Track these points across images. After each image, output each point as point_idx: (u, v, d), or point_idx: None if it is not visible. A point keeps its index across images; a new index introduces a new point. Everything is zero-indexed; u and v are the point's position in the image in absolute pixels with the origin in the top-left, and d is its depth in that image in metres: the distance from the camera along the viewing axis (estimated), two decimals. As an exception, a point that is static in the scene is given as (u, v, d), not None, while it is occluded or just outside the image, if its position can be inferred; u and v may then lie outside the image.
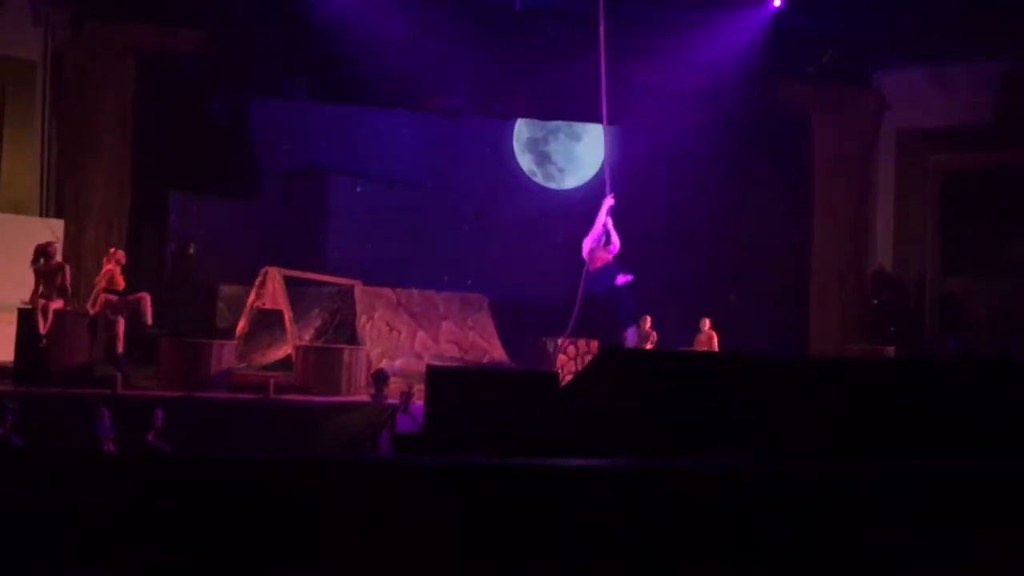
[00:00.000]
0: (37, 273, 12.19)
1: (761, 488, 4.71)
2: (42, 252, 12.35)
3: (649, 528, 4.50)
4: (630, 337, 12.51)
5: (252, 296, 14.80)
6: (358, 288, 15.80)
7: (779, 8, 16.66)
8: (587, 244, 12.65)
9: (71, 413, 9.98)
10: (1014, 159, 16.83)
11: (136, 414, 9.83)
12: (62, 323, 11.96)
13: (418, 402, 10.84)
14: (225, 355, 12.64)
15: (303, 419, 11.42)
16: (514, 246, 19.54)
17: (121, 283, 12.61)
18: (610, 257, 12.50)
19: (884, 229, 18.20)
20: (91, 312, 12.35)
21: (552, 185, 21.04)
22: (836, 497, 4.76)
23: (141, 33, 16.16)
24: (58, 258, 12.44)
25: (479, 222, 20.12)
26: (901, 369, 9.84)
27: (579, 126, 20.70)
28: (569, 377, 12.62)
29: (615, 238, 12.44)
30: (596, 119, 19.12)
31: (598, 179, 19.55)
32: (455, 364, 15.70)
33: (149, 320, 12.58)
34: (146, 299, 12.59)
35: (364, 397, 12.46)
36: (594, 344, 15.08)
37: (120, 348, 12.50)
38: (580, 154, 21.00)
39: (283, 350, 14.63)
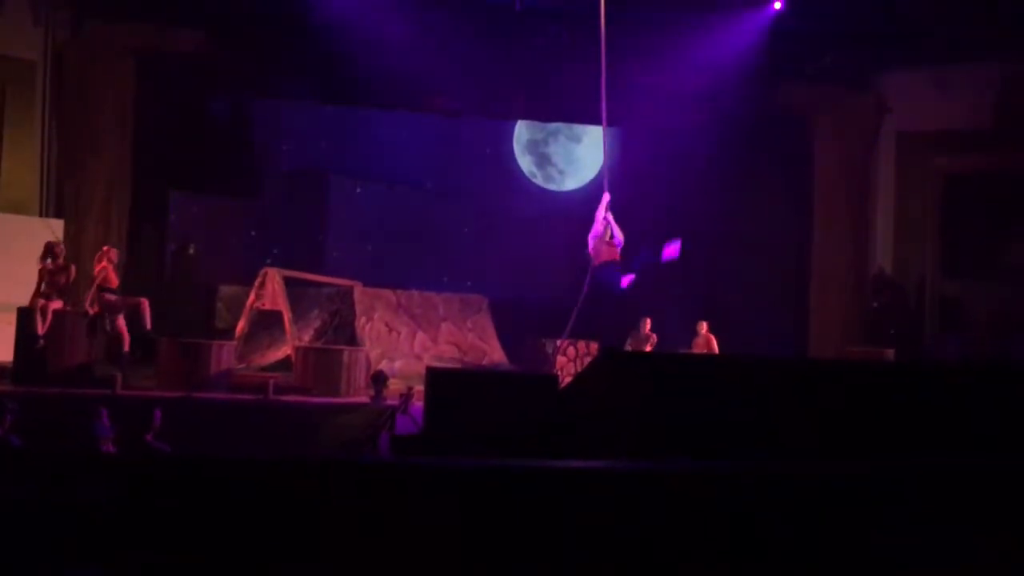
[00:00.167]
0: (42, 272, 12.17)
1: (761, 488, 4.71)
2: (50, 251, 12.34)
3: (649, 529, 4.50)
4: (625, 281, 12.44)
5: (252, 297, 14.80)
6: (358, 289, 15.80)
7: (780, 10, 16.66)
8: (590, 241, 12.63)
9: (70, 413, 9.98)
10: (1014, 162, 16.83)
11: (135, 414, 9.82)
12: (61, 323, 11.95)
13: (417, 403, 10.83)
14: (224, 356, 12.64)
15: (302, 420, 11.42)
16: (514, 247, 19.54)
17: (115, 281, 12.59)
18: (617, 253, 12.45)
19: (884, 231, 18.20)
20: (90, 312, 12.34)
21: (552, 187, 21.04)
22: (836, 497, 4.76)
23: (141, 33, 16.16)
24: (63, 259, 12.40)
25: (479, 223, 20.12)
26: (900, 371, 9.85)
27: (579, 128, 20.70)
28: (568, 379, 12.62)
29: (617, 232, 12.40)
30: (596, 120, 19.19)
31: (598, 181, 19.57)
32: (454, 365, 15.70)
33: (148, 325, 12.56)
34: (144, 304, 12.57)
35: (363, 398, 12.46)
36: (594, 346, 15.08)
37: (126, 347, 12.48)
38: (580, 156, 21.01)
39: (282, 351, 14.63)
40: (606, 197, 12.77)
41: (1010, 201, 16.66)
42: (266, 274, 14.78)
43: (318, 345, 14.40)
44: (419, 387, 11.27)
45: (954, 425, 6.84)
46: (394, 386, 12.79)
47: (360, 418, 11.43)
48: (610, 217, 12.48)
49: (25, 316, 11.94)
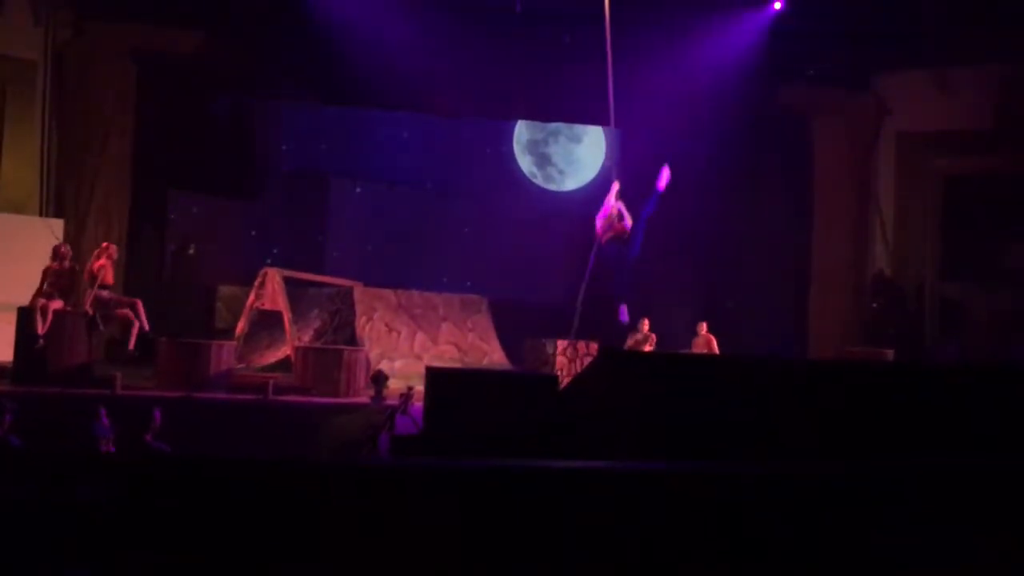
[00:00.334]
0: (46, 272, 12.13)
1: (761, 488, 4.71)
2: (56, 253, 12.32)
3: (649, 529, 4.50)
4: (623, 313, 12.40)
5: (251, 297, 14.80)
6: (358, 289, 15.80)
7: (780, 11, 16.66)
8: (598, 221, 12.58)
9: (70, 413, 9.96)
10: (1015, 163, 16.83)
11: (135, 414, 9.80)
12: (61, 323, 11.94)
13: (417, 403, 10.83)
14: (224, 356, 12.62)
15: (302, 420, 11.40)
16: (514, 248, 19.54)
17: (111, 279, 12.57)
18: (625, 229, 12.36)
19: (884, 232, 18.20)
20: (90, 312, 12.33)
21: (552, 187, 21.04)
22: (836, 497, 4.76)
23: (141, 33, 16.16)
24: (69, 263, 12.37)
25: (479, 224, 20.12)
26: (900, 371, 9.84)
27: (579, 128, 20.71)
28: (568, 379, 12.61)
29: (627, 217, 12.33)
30: (596, 120, 19.24)
31: (598, 181, 19.59)
32: (454, 365, 15.69)
33: (146, 326, 12.54)
34: (139, 305, 12.55)
35: (363, 398, 12.44)
36: (593, 346, 15.07)
37: (135, 334, 12.44)
38: (580, 156, 21.01)
39: (282, 351, 14.63)
40: (615, 185, 12.67)
41: (1010, 202, 16.66)
42: (266, 274, 14.78)
43: (318, 345, 14.40)
44: (419, 387, 11.27)
45: (954, 425, 6.83)
46: (394, 386, 12.78)
47: (360, 418, 11.42)
48: (621, 205, 12.39)
49: (25, 316, 11.93)
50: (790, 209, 18.61)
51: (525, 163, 20.91)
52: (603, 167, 19.99)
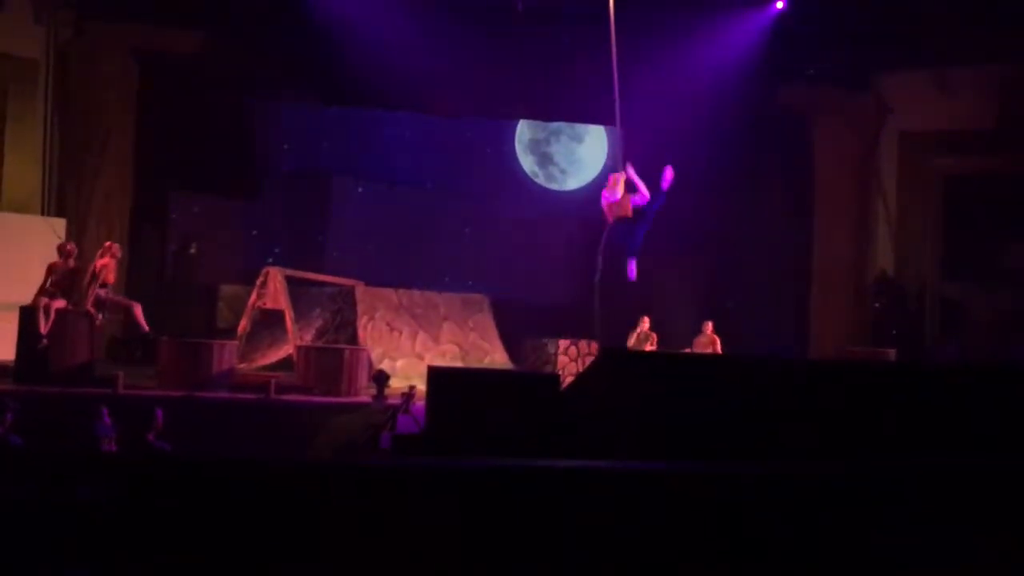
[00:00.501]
0: (50, 269, 12.11)
1: (761, 488, 4.71)
2: (61, 251, 12.31)
3: (649, 529, 4.50)
4: (632, 269, 12.25)
5: (253, 296, 14.81)
6: (359, 288, 15.80)
7: (781, 10, 16.66)
8: (605, 205, 12.48)
9: (71, 413, 9.97)
10: (1015, 163, 16.83)
11: (137, 414, 9.82)
12: (63, 322, 11.94)
13: (419, 403, 10.83)
14: (226, 355, 12.63)
15: (304, 419, 11.41)
16: (515, 247, 19.53)
17: (112, 278, 12.56)
18: (629, 210, 12.23)
19: (885, 233, 18.20)
20: (91, 311, 12.33)
21: (554, 186, 21.02)
22: (836, 497, 4.76)
23: (143, 33, 16.18)
24: (73, 262, 12.35)
25: (481, 223, 20.09)
26: (900, 372, 9.85)
27: (581, 127, 20.69)
28: (570, 378, 12.61)
29: (643, 189, 12.18)
30: (598, 120, 19.23)
31: (600, 180, 19.56)
32: (456, 365, 15.70)
33: (145, 328, 12.54)
34: (136, 308, 12.54)
35: (365, 398, 12.45)
36: (595, 345, 15.08)
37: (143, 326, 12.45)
38: (582, 155, 20.99)
39: (284, 350, 14.63)
40: (629, 169, 12.53)
41: (1011, 202, 16.64)
42: (268, 273, 14.79)
43: (319, 345, 14.40)
44: (420, 387, 11.27)
45: (954, 425, 6.84)
46: (395, 386, 12.79)
47: (361, 418, 11.43)
48: (635, 177, 12.18)
49: (27, 315, 11.92)
50: (791, 209, 18.61)
51: (527, 162, 20.90)
52: (605, 167, 19.96)
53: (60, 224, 14.89)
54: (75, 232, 15.30)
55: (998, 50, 16.36)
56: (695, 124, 16.97)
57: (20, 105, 15.63)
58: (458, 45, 16.35)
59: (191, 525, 4.33)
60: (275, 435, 10.87)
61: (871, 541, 4.64)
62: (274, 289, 14.62)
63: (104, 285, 12.39)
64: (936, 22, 16.13)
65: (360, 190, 19.68)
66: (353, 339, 14.96)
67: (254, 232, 18.61)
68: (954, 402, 7.07)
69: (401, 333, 16.12)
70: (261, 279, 14.76)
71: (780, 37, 16.74)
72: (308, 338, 14.84)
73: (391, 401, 11.77)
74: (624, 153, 12.92)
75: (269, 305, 14.66)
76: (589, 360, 14.63)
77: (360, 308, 15.57)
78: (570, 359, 15.41)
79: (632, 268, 12.08)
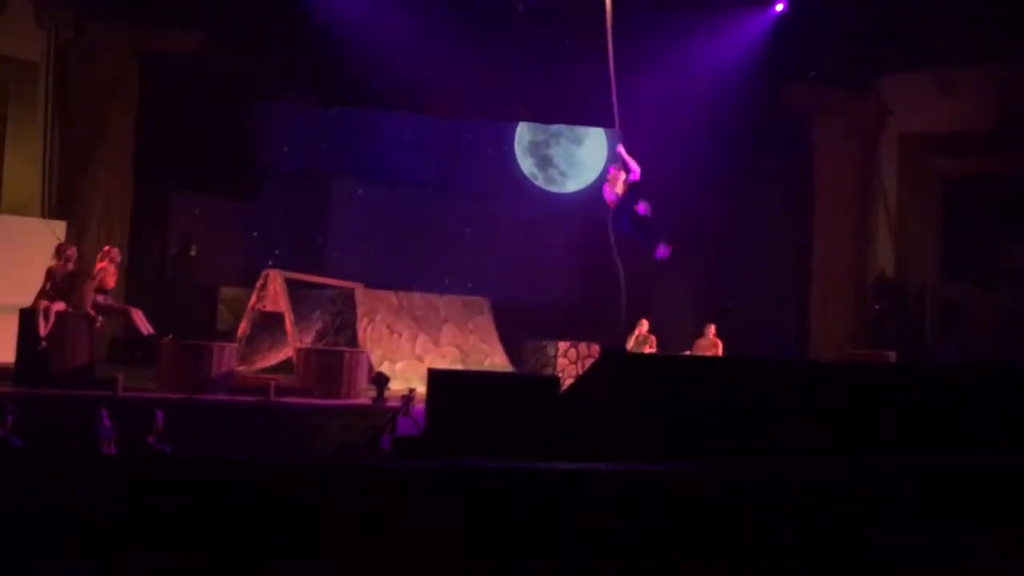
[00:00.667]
0: (50, 272, 12.09)
1: (761, 488, 4.71)
2: (61, 253, 12.29)
3: (649, 530, 4.50)
4: (661, 251, 12.26)
5: (253, 298, 14.80)
6: (359, 291, 15.79)
7: (782, 12, 16.67)
8: (605, 189, 12.50)
9: (71, 415, 9.96)
10: (1016, 164, 16.83)
11: (137, 416, 9.80)
12: (63, 325, 11.93)
13: (419, 405, 10.83)
14: (226, 357, 12.62)
15: (303, 422, 11.39)
16: (515, 249, 19.53)
17: (112, 283, 12.55)
18: (622, 189, 12.23)
19: (885, 234, 18.21)
20: (91, 314, 12.32)
21: (553, 188, 21.04)
22: (836, 497, 4.76)
23: (143, 34, 16.17)
24: (73, 265, 12.33)
25: (480, 225, 20.11)
26: (900, 372, 9.84)
27: (581, 130, 20.71)
28: (570, 381, 12.61)
29: (633, 166, 12.19)
30: (598, 122, 19.23)
31: (599, 183, 19.56)
32: (456, 367, 15.69)
33: (145, 332, 12.53)
34: (135, 314, 12.53)
35: (365, 400, 12.44)
36: (595, 348, 15.08)
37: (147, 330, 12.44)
38: (581, 158, 21.01)
39: (284, 353, 14.62)
40: (619, 149, 12.51)
41: (1012, 203, 16.64)
42: (267, 276, 14.78)
43: (319, 347, 14.40)
44: (420, 389, 11.27)
45: (954, 425, 6.83)
46: (395, 388, 12.78)
47: (361, 420, 11.42)
48: (625, 155, 12.19)
49: (27, 317, 11.92)
50: (791, 210, 18.61)
51: (526, 165, 20.91)
52: (604, 169, 19.97)
53: (60, 226, 14.88)
54: (75, 234, 15.29)
55: (998, 50, 16.37)
56: (695, 124, 16.98)
57: (20, 107, 15.63)
58: (458, 46, 16.35)
59: (191, 528, 4.32)
60: (275, 437, 10.86)
61: (871, 541, 4.64)
62: (274, 291, 14.61)
63: (103, 290, 12.37)
64: (936, 23, 16.14)
65: (360, 192, 19.68)
66: (353, 341, 14.95)
67: (254, 233, 18.62)
68: (954, 402, 7.06)
69: (401, 335, 16.11)
70: (261, 281, 14.76)
71: (781, 38, 16.75)
72: (308, 340, 14.84)
73: (391, 403, 11.77)
74: (619, 137, 12.90)
75: (269, 307, 14.66)
76: (589, 362, 14.64)
77: (360, 310, 15.57)
78: (570, 361, 15.41)
79: (662, 249, 12.13)
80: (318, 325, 15.44)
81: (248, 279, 15.53)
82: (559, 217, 20.03)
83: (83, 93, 15.93)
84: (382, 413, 11.40)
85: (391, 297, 16.43)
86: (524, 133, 20.81)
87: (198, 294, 17.19)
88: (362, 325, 15.48)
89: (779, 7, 16.69)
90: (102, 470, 4.94)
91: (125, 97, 16.26)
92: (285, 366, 14.38)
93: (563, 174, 21.03)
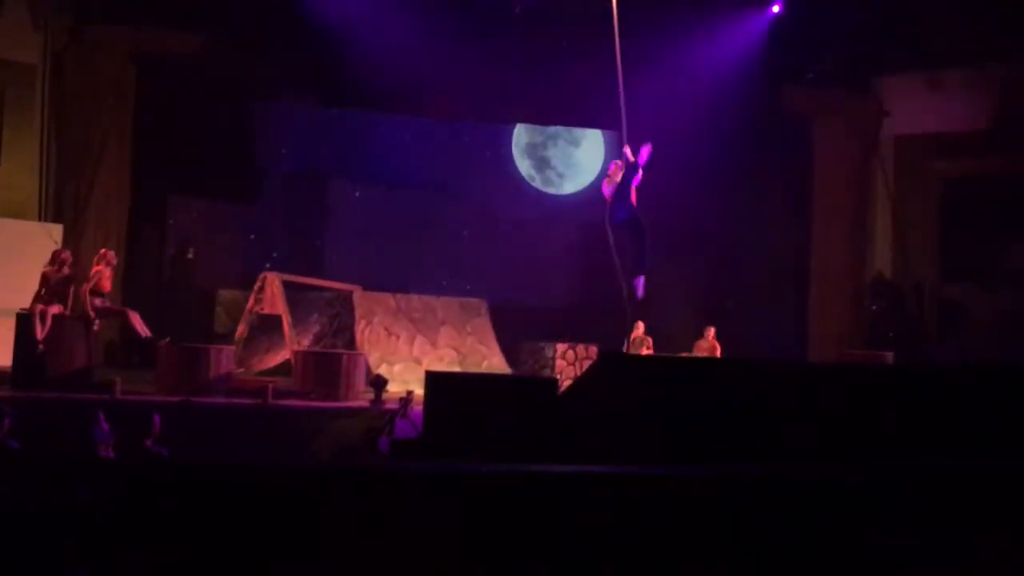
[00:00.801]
0: (45, 276, 12.07)
1: (761, 488, 4.70)
2: (56, 258, 12.27)
3: (648, 532, 4.49)
4: (639, 287, 12.26)
5: (251, 301, 14.80)
6: (357, 293, 15.79)
7: (778, 14, 16.68)
8: (604, 185, 12.48)
9: (69, 418, 9.94)
10: (1013, 165, 16.84)
11: (134, 419, 9.78)
12: (60, 328, 11.91)
13: (417, 407, 10.81)
14: (223, 360, 12.60)
15: (301, 424, 11.37)
16: (513, 251, 19.54)
17: (108, 286, 12.52)
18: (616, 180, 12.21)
19: (884, 234, 18.21)
20: (92, 316, 12.29)
21: (551, 190, 21.05)
22: (836, 497, 4.75)
23: (141, 37, 16.14)
24: (68, 269, 12.29)
25: (478, 227, 20.12)
26: (899, 373, 9.83)
27: (578, 131, 20.72)
28: (568, 382, 12.59)
29: (642, 154, 12.13)
30: (597, 124, 19.24)
31: (597, 184, 19.56)
32: (454, 369, 15.68)
33: (144, 334, 12.50)
34: (132, 316, 12.51)
35: (363, 402, 12.43)
36: (592, 349, 15.05)
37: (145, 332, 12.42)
38: (579, 159, 21.02)
39: (282, 355, 14.62)
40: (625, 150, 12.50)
41: (1009, 204, 16.65)
42: (265, 278, 14.78)
43: (317, 349, 14.39)
44: (418, 391, 11.25)
45: (954, 425, 6.83)
46: (393, 390, 12.76)
47: (359, 422, 11.40)
48: (629, 153, 12.18)
49: (24, 321, 11.90)
50: (790, 210, 18.63)
51: (524, 166, 20.92)
52: (603, 168, 19.98)
53: (57, 230, 14.87)
54: (72, 237, 15.27)
55: (996, 51, 16.38)
56: (694, 125, 16.97)
57: (18, 110, 15.62)
58: (457, 48, 16.34)
59: (189, 531, 4.31)
60: (273, 440, 10.84)
61: (871, 541, 4.63)
62: (272, 294, 14.61)
63: (100, 293, 12.35)
64: (934, 24, 16.15)
65: (358, 194, 19.69)
66: (351, 344, 14.94)
67: (252, 236, 18.62)
68: (953, 402, 7.05)
69: (399, 337, 16.10)
70: (259, 284, 14.75)
71: (780, 39, 16.76)
72: (306, 343, 14.83)
73: (389, 406, 11.75)
74: (624, 138, 12.87)
75: (267, 310, 14.66)
76: (587, 364, 14.62)
77: (358, 313, 15.57)
78: (568, 363, 15.38)
79: (640, 286, 12.12)
80: (316, 327, 15.44)
81: (246, 281, 15.52)
82: (557, 218, 20.03)
83: (80, 96, 15.91)
84: (380, 415, 11.38)
85: (389, 299, 16.42)
86: (522, 135, 20.82)
87: (196, 296, 17.18)
88: (360, 327, 15.47)
89: (775, 9, 16.70)
90: (100, 474, 4.93)
91: (123, 99, 16.24)
92: (283, 368, 14.37)
93: (561, 176, 21.04)
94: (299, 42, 16.25)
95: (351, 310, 15.52)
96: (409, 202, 19.75)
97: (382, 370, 14.37)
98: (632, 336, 15.46)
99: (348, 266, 17.99)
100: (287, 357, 14.24)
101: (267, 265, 16.43)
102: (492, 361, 16.64)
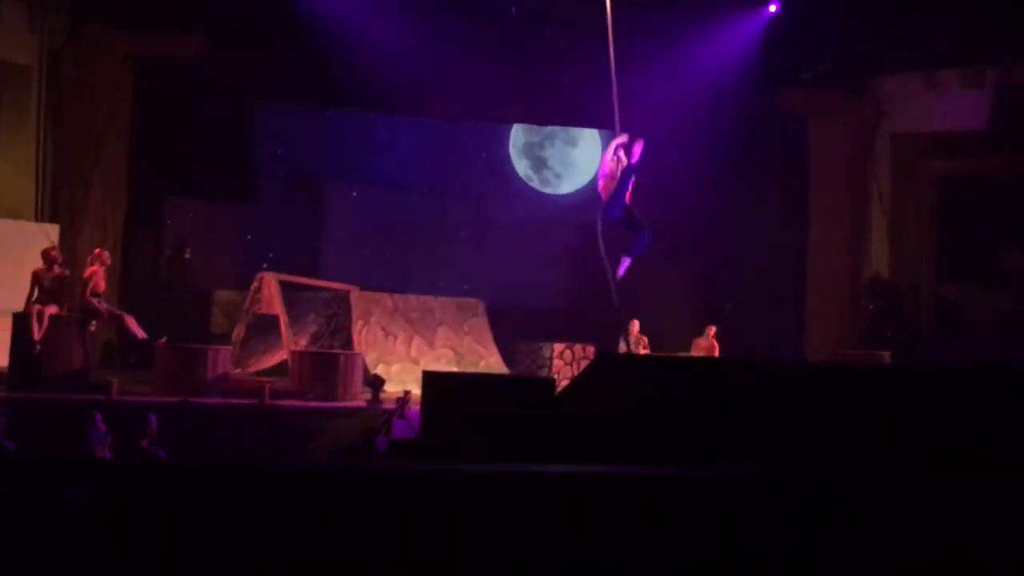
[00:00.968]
0: (35, 276, 12.04)
1: (761, 488, 4.70)
2: (44, 257, 12.23)
3: (647, 532, 4.48)
4: (623, 265, 12.23)
5: (248, 301, 14.78)
6: (354, 293, 15.77)
7: (775, 14, 16.69)
8: (600, 181, 12.47)
9: (65, 419, 9.92)
10: (1010, 165, 16.85)
11: (131, 420, 9.77)
12: (56, 329, 11.89)
13: (414, 408, 10.80)
14: (220, 360, 12.59)
15: (299, 425, 11.38)
16: (510, 251, 19.53)
17: (102, 286, 12.49)
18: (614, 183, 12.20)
19: (880, 234, 18.22)
20: (90, 314, 12.27)
21: (548, 190, 21.04)
22: (836, 497, 4.75)
23: (138, 39, 16.14)
24: (58, 268, 12.26)
25: (475, 227, 20.12)
26: (897, 374, 9.84)
27: (575, 131, 20.72)
28: (565, 382, 12.59)
29: (635, 151, 12.10)
30: (594, 124, 19.23)
31: (594, 184, 19.56)
32: (451, 369, 15.67)
33: (139, 336, 12.48)
34: (125, 319, 12.49)
35: (360, 403, 12.43)
36: (590, 349, 15.04)
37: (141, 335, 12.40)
38: (576, 159, 21.01)
39: (279, 355, 14.60)
40: (620, 139, 12.47)
41: (1006, 204, 16.67)
42: (262, 279, 14.77)
43: (314, 349, 14.38)
44: (416, 391, 11.24)
45: (953, 425, 6.82)
46: (390, 390, 12.76)
47: (357, 422, 11.40)
48: (621, 154, 12.18)
49: (21, 321, 11.88)
50: (787, 210, 18.64)
51: (521, 166, 20.92)
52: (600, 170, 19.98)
53: (54, 229, 14.85)
54: (69, 237, 15.25)
55: (991, 52, 16.39)
56: (692, 126, 16.98)
57: (14, 111, 15.60)
58: (454, 49, 16.35)
59: (186, 532, 4.30)
60: (270, 440, 10.84)
61: (871, 541, 4.62)
62: (268, 294, 14.60)
63: (96, 294, 12.33)
64: (930, 24, 16.15)
65: (355, 194, 19.68)
66: (348, 344, 14.93)
67: (249, 237, 18.60)
68: (953, 403, 7.05)
69: (396, 338, 16.09)
70: (256, 284, 14.74)
71: (776, 40, 16.75)
72: (303, 343, 14.81)
73: (386, 406, 11.74)
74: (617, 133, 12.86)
75: (264, 310, 14.65)
76: (584, 364, 14.61)
77: (355, 313, 15.55)
78: (565, 363, 15.36)
79: (623, 266, 12.09)
80: (313, 328, 15.42)
81: (243, 282, 15.50)
82: (554, 218, 20.02)
83: (77, 96, 15.89)
84: (377, 415, 11.38)
85: (386, 299, 16.40)
86: (519, 135, 20.81)
87: (193, 297, 17.17)
88: (357, 327, 15.45)
89: (772, 9, 16.70)
90: (96, 474, 4.92)
91: (119, 101, 16.23)
92: (280, 369, 14.36)
93: (558, 176, 21.03)
94: (296, 43, 16.23)
95: (348, 310, 15.50)
96: (406, 202, 19.75)
97: (379, 370, 14.37)
98: (627, 336, 15.46)
99: (345, 266, 17.97)
100: (284, 357, 14.23)
101: (264, 265, 16.40)
102: (489, 361, 16.63)
